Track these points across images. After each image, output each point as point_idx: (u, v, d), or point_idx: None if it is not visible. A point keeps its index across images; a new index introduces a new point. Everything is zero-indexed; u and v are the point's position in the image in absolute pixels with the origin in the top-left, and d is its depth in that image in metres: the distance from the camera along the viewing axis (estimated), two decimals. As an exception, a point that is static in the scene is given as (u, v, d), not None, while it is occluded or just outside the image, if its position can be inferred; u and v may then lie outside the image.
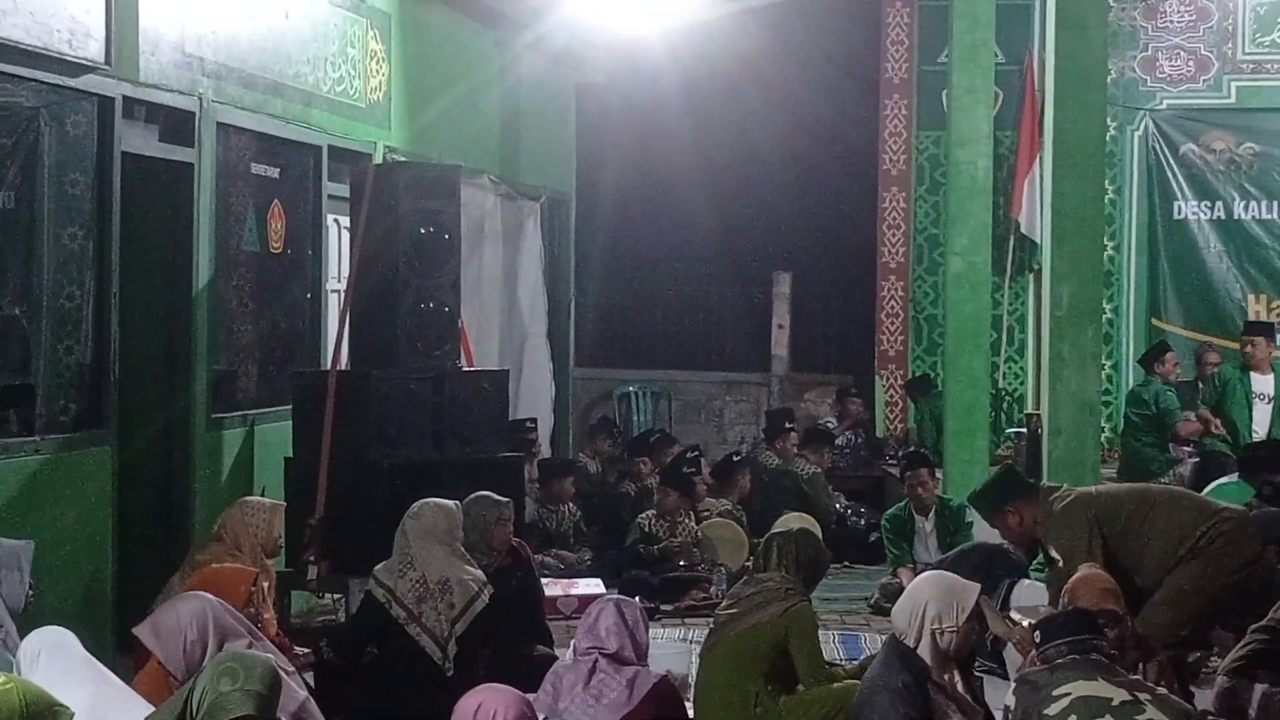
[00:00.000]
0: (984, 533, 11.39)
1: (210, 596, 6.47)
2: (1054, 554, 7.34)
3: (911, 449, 14.84)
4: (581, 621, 7.18)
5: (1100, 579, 6.91)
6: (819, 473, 13.48)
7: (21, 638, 5.96)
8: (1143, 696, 5.20)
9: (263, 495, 9.19)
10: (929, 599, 6.24)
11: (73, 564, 8.16)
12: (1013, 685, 5.62)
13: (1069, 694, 5.23)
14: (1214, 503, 7.81)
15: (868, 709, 6.15)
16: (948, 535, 11.21)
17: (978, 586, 6.49)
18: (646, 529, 11.62)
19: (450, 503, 8.15)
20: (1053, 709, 5.21)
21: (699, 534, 11.72)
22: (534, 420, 13.88)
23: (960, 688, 6.25)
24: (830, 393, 17.09)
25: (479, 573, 8.06)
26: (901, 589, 10.61)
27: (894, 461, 15.22)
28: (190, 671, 5.74)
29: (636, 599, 7.78)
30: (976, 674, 6.68)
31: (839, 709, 6.84)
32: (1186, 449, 13.10)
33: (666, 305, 19.11)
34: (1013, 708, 5.45)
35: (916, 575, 10.77)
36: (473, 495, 8.74)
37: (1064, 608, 6.85)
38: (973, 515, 11.43)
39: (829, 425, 15.62)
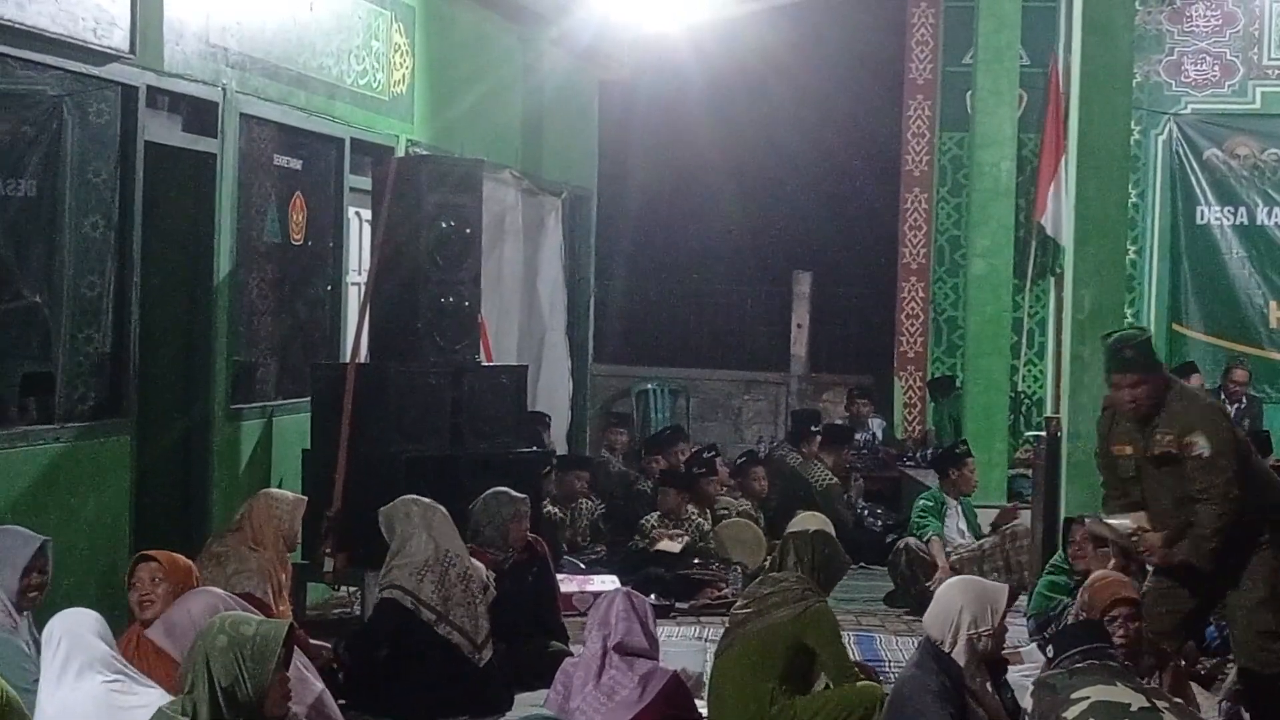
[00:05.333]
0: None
1: (219, 590, 6.47)
2: (1200, 442, 7.01)
3: (931, 448, 14.87)
4: (591, 613, 7.21)
5: (1120, 579, 6.92)
6: (835, 484, 13.36)
7: (39, 627, 6.00)
8: (1161, 704, 5.19)
9: (280, 487, 9.20)
10: (963, 605, 6.26)
11: (90, 553, 8.17)
12: (1030, 688, 5.61)
13: (1088, 698, 5.22)
14: None
15: (909, 709, 6.13)
16: (972, 526, 11.52)
17: (1006, 588, 6.51)
18: (649, 530, 11.59)
19: (439, 507, 8.16)
20: (1071, 712, 5.20)
21: (703, 529, 11.68)
22: (548, 415, 13.81)
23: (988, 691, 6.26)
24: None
25: (481, 565, 8.11)
26: (919, 556, 10.72)
27: (911, 462, 15.22)
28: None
29: (651, 596, 7.79)
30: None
31: (856, 708, 6.83)
32: None
33: (686, 303, 19.10)
34: (1030, 711, 5.44)
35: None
36: (490, 491, 8.74)
37: (1079, 612, 6.85)
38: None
39: (845, 423, 15.59)
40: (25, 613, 6.42)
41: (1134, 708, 5.14)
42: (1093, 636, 5.70)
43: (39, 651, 6.10)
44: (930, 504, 11.39)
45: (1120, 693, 5.23)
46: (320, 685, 6.47)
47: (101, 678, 5.42)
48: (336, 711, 6.47)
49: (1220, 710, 7.16)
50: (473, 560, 8.06)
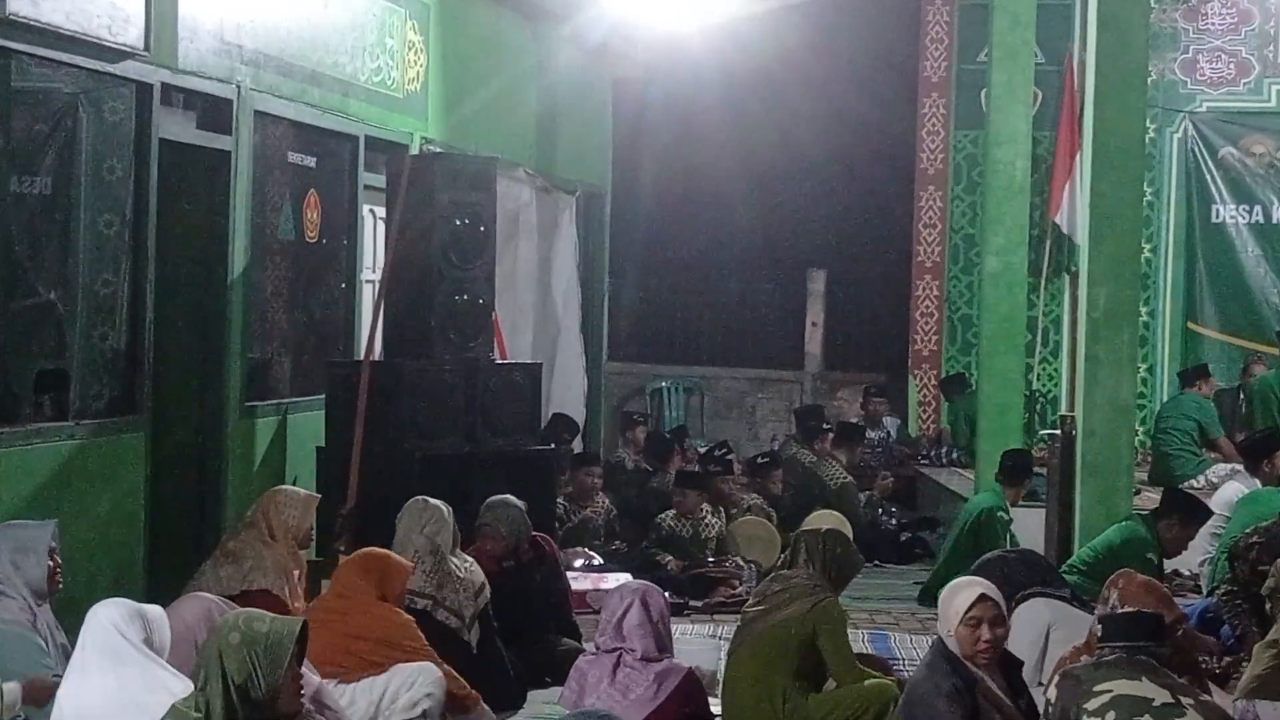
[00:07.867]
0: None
1: (210, 595, 6.48)
2: None
3: (946, 447, 14.84)
4: (604, 613, 7.18)
5: (1151, 584, 6.87)
6: (849, 482, 13.34)
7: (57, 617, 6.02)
8: (1185, 700, 5.16)
9: (294, 484, 9.20)
10: (942, 598, 6.23)
11: (105, 549, 8.18)
12: (1056, 678, 5.60)
13: (1110, 691, 5.20)
14: None
15: (919, 712, 6.10)
16: None
17: (977, 591, 6.30)
18: (665, 531, 11.56)
19: (442, 506, 8.10)
20: (1093, 704, 5.19)
21: (722, 529, 11.67)
22: (570, 434, 13.75)
23: (1003, 694, 6.21)
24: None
25: (478, 569, 8.07)
26: None
27: (926, 461, 15.20)
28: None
29: (666, 594, 7.76)
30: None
31: (869, 706, 6.82)
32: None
33: (700, 301, 19.09)
34: (1054, 701, 5.43)
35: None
36: (499, 499, 8.65)
37: (1110, 607, 6.79)
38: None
39: (860, 421, 15.57)
40: (45, 603, 6.38)
41: (1156, 703, 5.13)
42: (1138, 632, 5.58)
43: (57, 639, 6.14)
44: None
45: (1144, 688, 5.20)
46: (318, 679, 6.46)
47: (116, 674, 5.43)
48: (336, 702, 6.47)
49: (1235, 709, 7.13)
50: (471, 563, 8.01)
